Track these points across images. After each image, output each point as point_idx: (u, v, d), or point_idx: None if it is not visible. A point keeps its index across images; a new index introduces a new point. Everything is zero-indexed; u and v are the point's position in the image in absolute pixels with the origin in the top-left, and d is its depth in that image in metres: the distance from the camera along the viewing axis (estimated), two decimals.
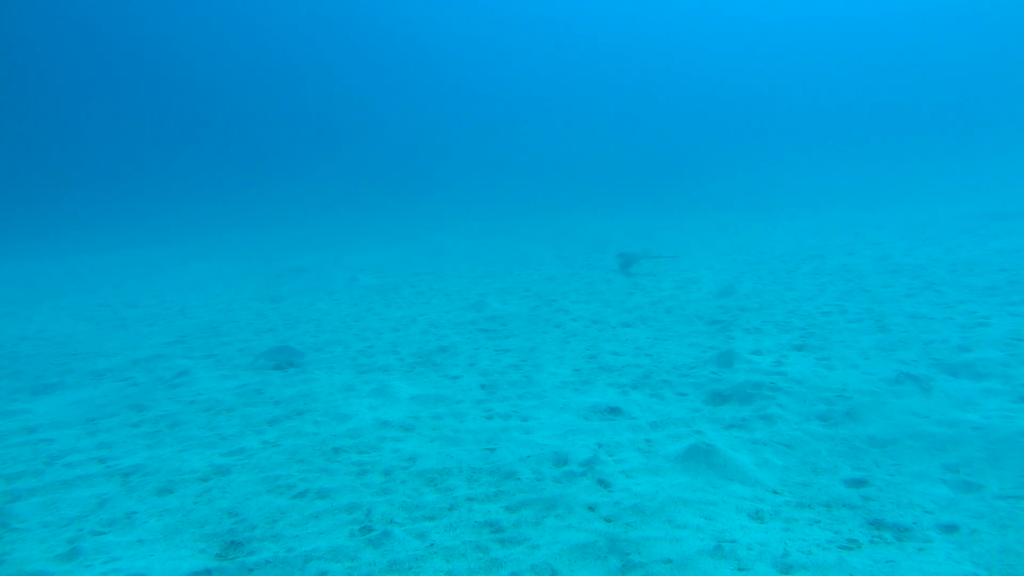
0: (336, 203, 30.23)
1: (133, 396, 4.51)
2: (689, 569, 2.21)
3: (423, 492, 2.91)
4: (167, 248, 16.98)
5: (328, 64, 58.01)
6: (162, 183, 36.07)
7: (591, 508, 2.67)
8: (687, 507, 2.65)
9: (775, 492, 2.77)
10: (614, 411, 3.91)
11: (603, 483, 2.89)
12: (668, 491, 2.78)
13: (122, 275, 11.73)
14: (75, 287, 10.55)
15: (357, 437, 3.61)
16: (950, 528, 2.41)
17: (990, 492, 2.64)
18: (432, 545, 2.44)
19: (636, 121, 50.19)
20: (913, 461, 2.96)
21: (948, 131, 33.97)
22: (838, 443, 3.18)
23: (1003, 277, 6.65)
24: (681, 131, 46.69)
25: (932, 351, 4.50)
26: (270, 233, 19.95)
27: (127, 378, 5.12)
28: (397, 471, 3.14)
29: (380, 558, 2.37)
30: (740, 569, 2.20)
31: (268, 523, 2.68)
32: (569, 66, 60.42)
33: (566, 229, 16.07)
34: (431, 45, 61.77)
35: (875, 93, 45.50)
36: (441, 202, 30.02)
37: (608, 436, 3.50)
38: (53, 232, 22.82)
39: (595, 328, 6.06)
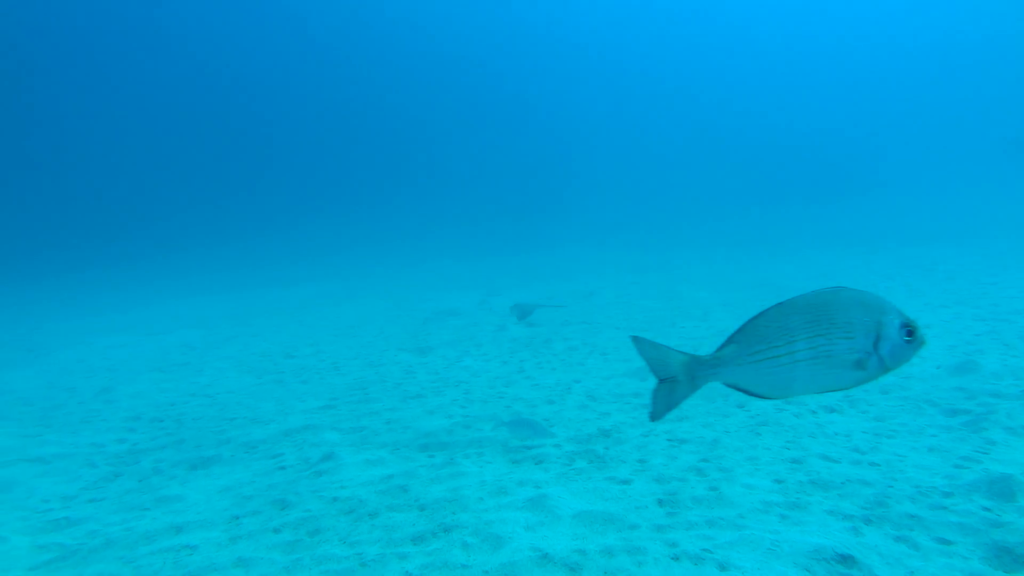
0: (470, 227, 30.78)
1: (279, 486, 4.23)
2: None
3: None
4: (322, 285, 17.90)
5: (460, 97, 60.26)
6: (310, 220, 39.08)
7: None
8: None
9: None
10: (847, 562, 2.93)
11: None
12: None
13: (282, 318, 12.30)
14: (242, 330, 11.15)
15: None
16: None
17: None
18: None
19: (789, 136, 46.67)
20: None
21: None
22: None
23: None
24: (844, 146, 42.60)
25: None
26: (416, 268, 20.46)
27: (277, 455, 4.92)
28: None
29: None
30: None
31: None
32: (716, 75, 57.90)
33: (725, 267, 14.70)
34: (559, 70, 62.13)
35: None
36: (577, 224, 29.46)
37: None
38: (216, 268, 25.25)
39: (790, 412, 4.99)
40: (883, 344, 2.10)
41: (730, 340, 2.28)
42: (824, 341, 2.13)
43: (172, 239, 35.56)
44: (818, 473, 3.87)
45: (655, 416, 2.50)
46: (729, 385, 2.32)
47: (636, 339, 2.52)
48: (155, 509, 4.06)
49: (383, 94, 60.38)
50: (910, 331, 2.09)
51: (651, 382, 6.31)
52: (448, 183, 46.60)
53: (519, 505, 3.67)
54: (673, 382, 2.46)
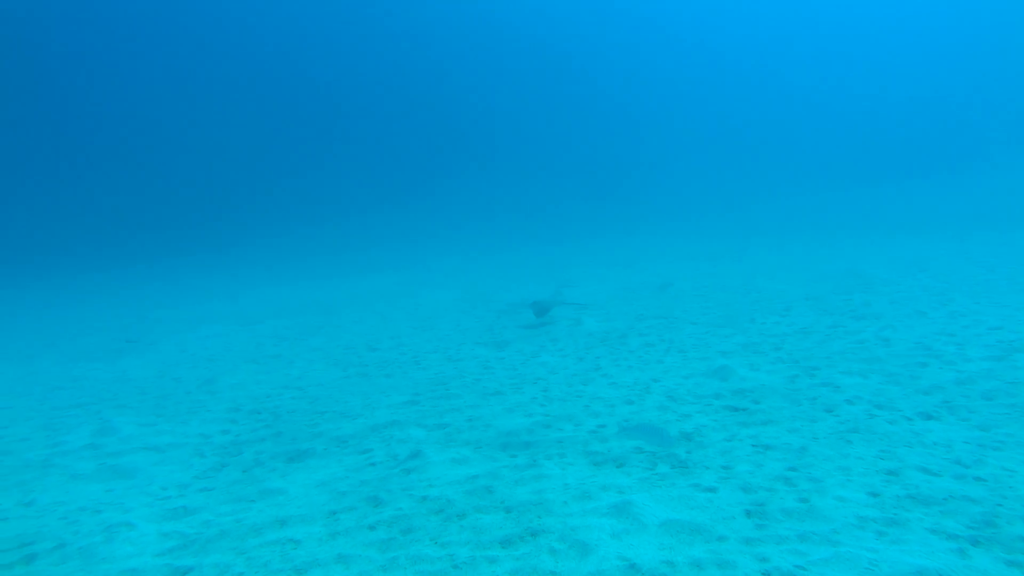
0: (543, 215, 30.73)
1: (371, 483, 4.45)
2: None
3: None
4: (399, 274, 18.40)
5: (532, 85, 59.83)
6: (387, 209, 40.02)
7: None
8: None
9: None
10: None
11: None
12: None
13: (363, 308, 12.76)
14: (327, 321, 11.65)
15: None
16: None
17: None
18: None
19: (871, 110, 43.93)
20: None
21: None
22: None
23: None
24: (934, 119, 39.73)
25: None
26: (489, 256, 20.68)
27: (366, 450, 5.17)
28: None
29: None
30: None
31: None
32: (790, 50, 55.16)
33: (806, 255, 14.13)
34: (631, 53, 60.70)
35: None
36: (650, 211, 28.91)
37: None
38: (299, 257, 26.31)
39: (883, 419, 4.80)
40: None
41: None
42: None
43: (260, 228, 37.39)
44: (917, 487, 3.73)
45: None
46: None
47: None
48: (260, 501, 4.36)
49: (456, 82, 60.98)
50: None
51: (732, 382, 6.24)
52: (520, 171, 46.69)
53: (604, 511, 3.72)
54: None
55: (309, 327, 11.33)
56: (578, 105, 58.13)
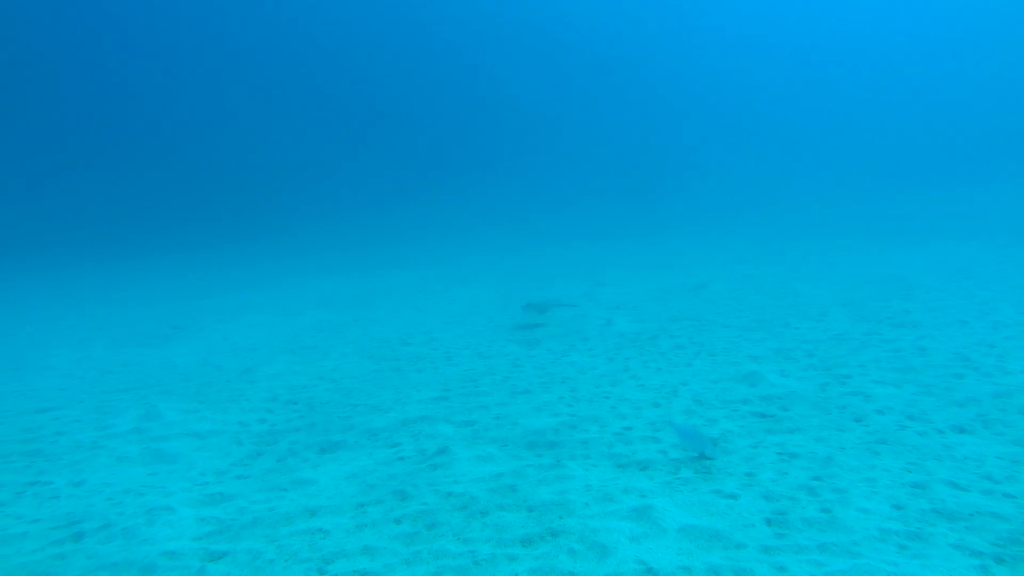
0: (577, 212, 30.65)
1: (398, 477, 4.59)
2: None
3: None
4: (435, 268, 18.64)
5: (568, 83, 59.48)
6: (426, 203, 40.42)
7: None
8: None
9: None
10: None
11: None
12: None
13: (398, 302, 12.99)
14: (363, 314, 11.91)
15: None
16: None
17: None
18: None
19: (921, 110, 42.40)
20: None
21: None
22: None
23: None
24: (989, 121, 38.14)
25: None
26: (524, 253, 20.76)
27: (395, 444, 5.31)
28: None
29: None
30: None
31: None
32: (835, 52, 53.63)
33: (846, 259, 13.80)
34: (673, 52, 59.81)
35: None
36: (688, 210, 28.57)
37: None
38: (339, 248, 26.82)
39: (913, 430, 4.73)
40: None
41: None
42: None
43: (302, 221, 38.23)
44: (943, 501, 3.68)
45: None
46: None
47: None
48: (292, 491, 4.54)
49: (497, 78, 61.18)
50: None
51: (761, 388, 6.20)
52: (559, 169, 46.62)
53: (624, 514, 3.78)
54: None
55: (345, 319, 11.60)
56: (618, 104, 57.68)
